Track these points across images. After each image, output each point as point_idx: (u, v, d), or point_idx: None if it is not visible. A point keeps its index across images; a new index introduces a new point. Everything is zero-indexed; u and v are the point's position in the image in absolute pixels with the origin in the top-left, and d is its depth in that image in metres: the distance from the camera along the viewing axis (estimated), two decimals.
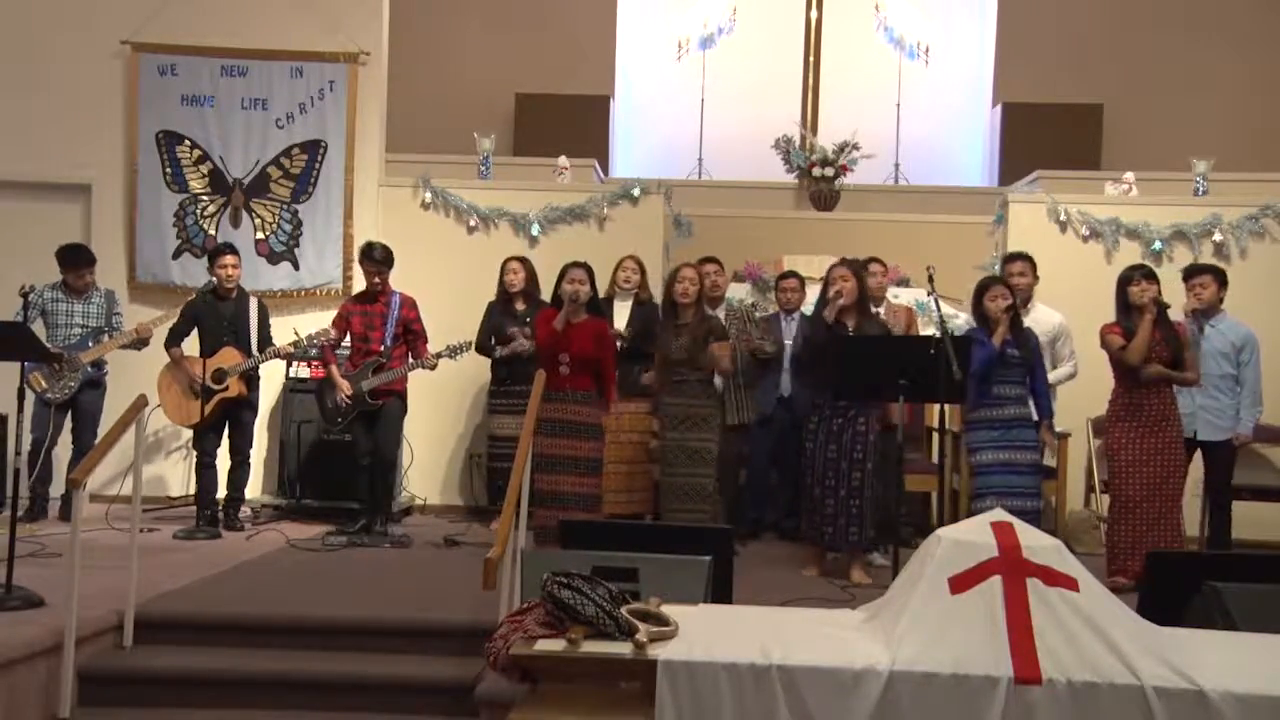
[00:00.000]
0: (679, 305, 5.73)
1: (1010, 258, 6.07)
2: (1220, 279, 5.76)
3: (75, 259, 6.43)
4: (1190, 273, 5.83)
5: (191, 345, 6.39)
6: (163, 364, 6.43)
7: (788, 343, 6.27)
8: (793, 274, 6.57)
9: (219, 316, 6.37)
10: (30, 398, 5.76)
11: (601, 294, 6.19)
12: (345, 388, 6.09)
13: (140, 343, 6.34)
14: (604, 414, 5.66)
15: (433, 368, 6.24)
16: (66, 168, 7.40)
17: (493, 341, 6.59)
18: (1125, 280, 5.33)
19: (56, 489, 6.50)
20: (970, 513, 4.96)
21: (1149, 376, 5.20)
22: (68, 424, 6.45)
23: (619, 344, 6.05)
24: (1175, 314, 5.59)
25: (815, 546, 5.49)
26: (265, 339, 6.47)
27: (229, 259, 6.37)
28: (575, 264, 5.77)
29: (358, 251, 6.44)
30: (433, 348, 6.26)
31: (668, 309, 5.87)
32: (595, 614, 2.80)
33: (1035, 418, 5.41)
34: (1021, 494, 5.18)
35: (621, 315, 6.30)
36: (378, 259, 6.17)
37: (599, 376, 5.61)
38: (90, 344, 6.36)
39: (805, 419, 5.54)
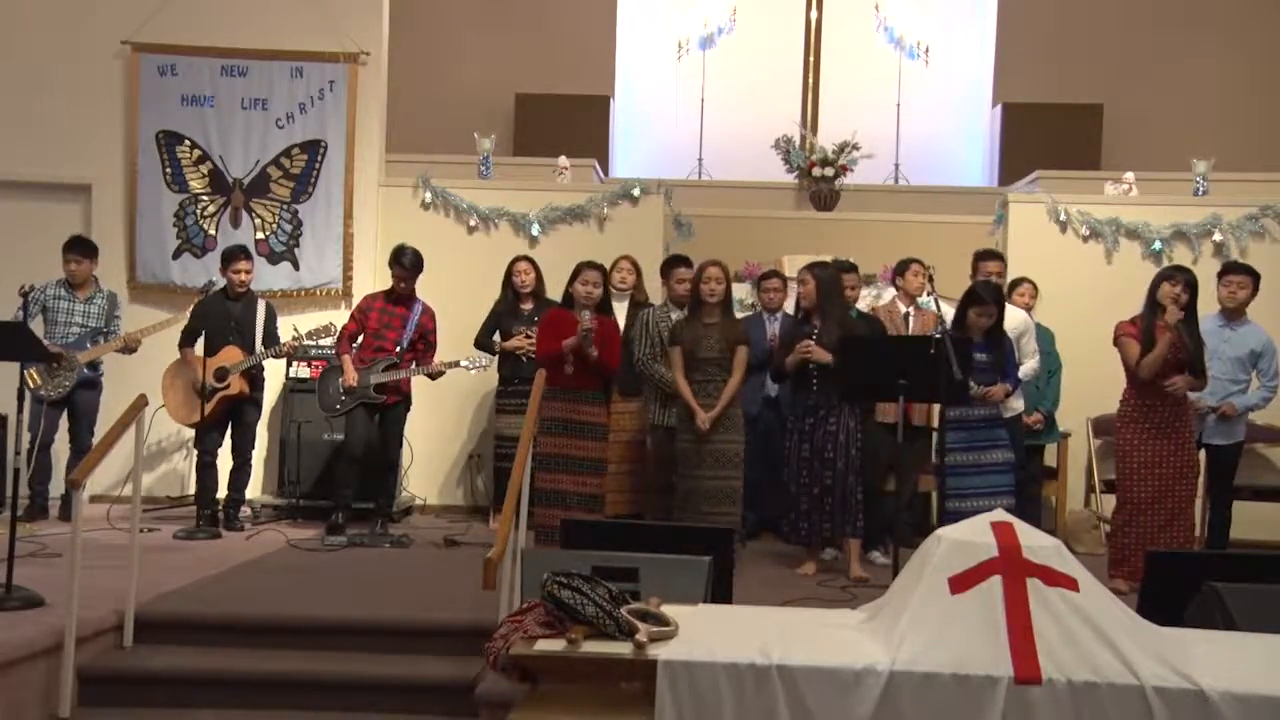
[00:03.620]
0: (704, 304, 5.60)
1: (987, 255, 6.04)
2: (1256, 283, 5.69)
3: (72, 244, 6.43)
4: (1227, 269, 5.76)
5: (196, 344, 6.40)
6: (161, 365, 6.44)
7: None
8: (774, 274, 6.58)
9: (226, 316, 6.39)
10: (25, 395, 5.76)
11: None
12: (352, 376, 6.10)
13: (127, 350, 6.35)
14: (607, 413, 5.63)
15: (438, 375, 6.26)
16: (66, 168, 7.40)
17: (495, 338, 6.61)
18: (1164, 278, 5.17)
19: (55, 488, 6.49)
20: (941, 513, 4.95)
21: (1176, 391, 5.09)
22: (64, 423, 6.44)
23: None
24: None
25: (806, 545, 5.53)
26: (273, 339, 6.49)
27: (242, 264, 6.40)
28: (590, 265, 5.66)
29: (380, 255, 6.45)
30: (438, 353, 6.32)
31: (693, 307, 5.70)
32: (595, 614, 2.80)
33: (1005, 415, 5.44)
34: (997, 492, 5.20)
35: (618, 316, 6.26)
36: (406, 265, 6.20)
37: (604, 375, 5.58)
38: (88, 344, 6.36)
39: (786, 416, 5.59)
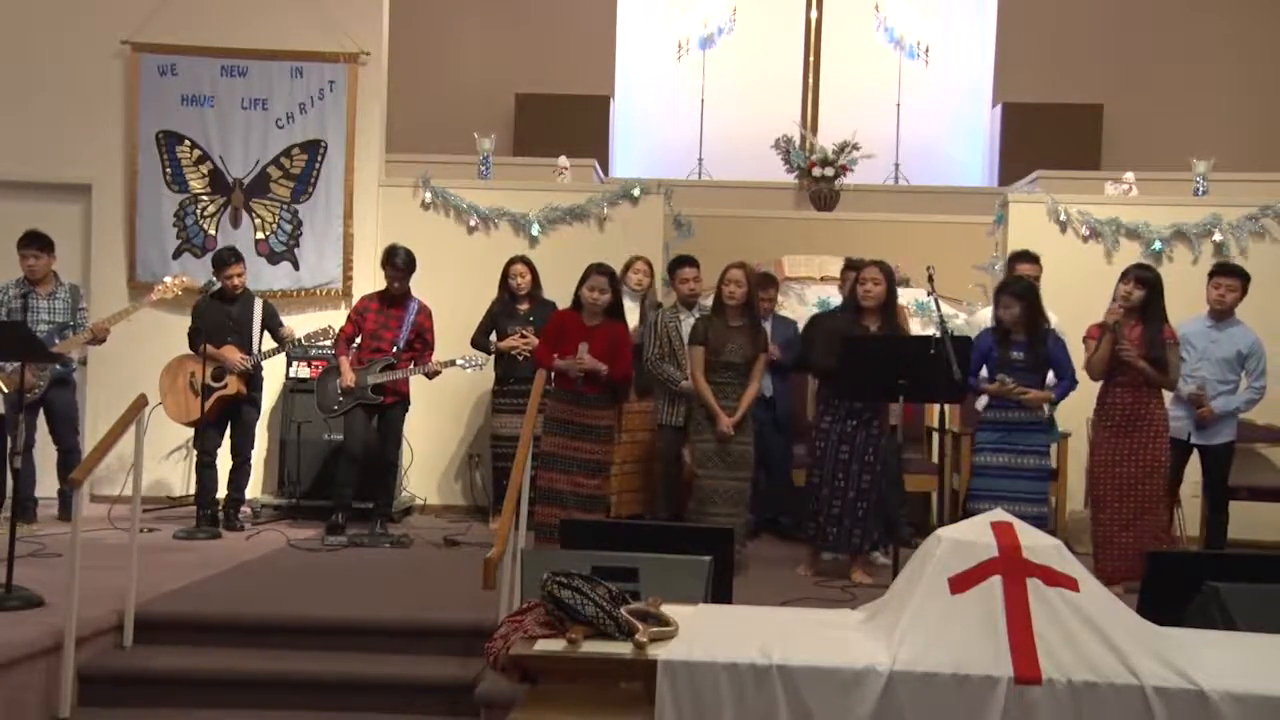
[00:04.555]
0: (728, 307, 5.48)
1: (1021, 256, 6.03)
2: (1246, 285, 5.68)
3: (29, 239, 6.25)
4: (1217, 271, 5.75)
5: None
6: (150, 364, 6.43)
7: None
8: (767, 276, 6.58)
9: (224, 316, 6.38)
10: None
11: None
12: (350, 378, 6.10)
13: (96, 341, 6.27)
14: (615, 415, 5.60)
15: (435, 375, 6.25)
16: (66, 168, 7.40)
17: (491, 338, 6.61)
18: (1120, 276, 5.28)
19: (40, 489, 6.37)
20: (965, 514, 4.93)
21: (1127, 358, 5.11)
22: (42, 424, 6.32)
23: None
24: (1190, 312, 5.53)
25: (812, 546, 5.50)
26: (278, 334, 6.49)
27: (234, 269, 6.38)
28: (599, 270, 5.53)
29: (380, 255, 6.43)
30: (437, 352, 6.30)
31: (716, 308, 5.59)
32: (595, 614, 2.80)
33: (1045, 416, 5.39)
34: (1025, 499, 5.08)
35: (630, 317, 6.22)
36: (399, 265, 6.19)
37: (611, 379, 5.48)
38: (56, 340, 6.20)
39: (818, 416, 5.51)
